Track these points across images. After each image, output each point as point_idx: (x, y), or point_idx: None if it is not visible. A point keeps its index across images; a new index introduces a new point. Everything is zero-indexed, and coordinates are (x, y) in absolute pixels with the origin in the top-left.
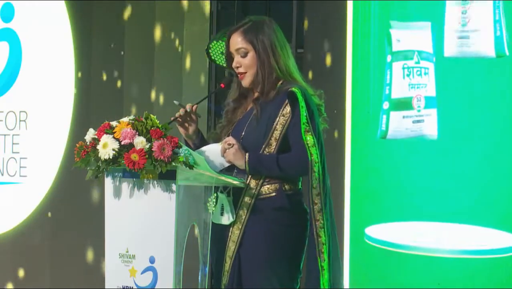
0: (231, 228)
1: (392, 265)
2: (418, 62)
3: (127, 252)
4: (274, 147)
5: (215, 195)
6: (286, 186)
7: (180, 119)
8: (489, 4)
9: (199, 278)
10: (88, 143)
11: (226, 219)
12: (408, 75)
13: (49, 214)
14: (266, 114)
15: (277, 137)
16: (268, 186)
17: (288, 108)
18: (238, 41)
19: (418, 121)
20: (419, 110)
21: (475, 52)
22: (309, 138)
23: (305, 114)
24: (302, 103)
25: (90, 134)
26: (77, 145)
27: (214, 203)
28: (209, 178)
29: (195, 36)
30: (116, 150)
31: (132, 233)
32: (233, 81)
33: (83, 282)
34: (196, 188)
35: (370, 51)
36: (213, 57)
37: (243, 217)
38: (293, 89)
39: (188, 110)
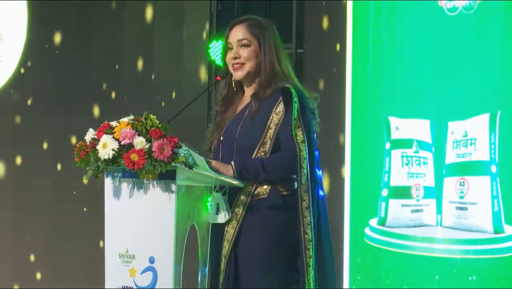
0: (226, 227)
1: (392, 265)
2: (417, 152)
3: (127, 252)
4: (268, 146)
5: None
6: (280, 187)
7: None
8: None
9: (199, 278)
10: (88, 143)
11: (222, 217)
12: (407, 164)
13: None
14: (259, 113)
15: (271, 136)
16: (265, 186)
17: (281, 107)
18: (242, 33)
19: (417, 210)
20: (418, 200)
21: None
22: (299, 134)
23: (296, 110)
24: (295, 99)
25: (90, 134)
26: (77, 145)
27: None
28: (208, 177)
29: (195, 36)
30: (116, 150)
31: (132, 233)
32: (227, 74)
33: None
34: (196, 188)
35: (369, 51)
36: (213, 57)
37: (238, 216)
38: (287, 85)
39: None
